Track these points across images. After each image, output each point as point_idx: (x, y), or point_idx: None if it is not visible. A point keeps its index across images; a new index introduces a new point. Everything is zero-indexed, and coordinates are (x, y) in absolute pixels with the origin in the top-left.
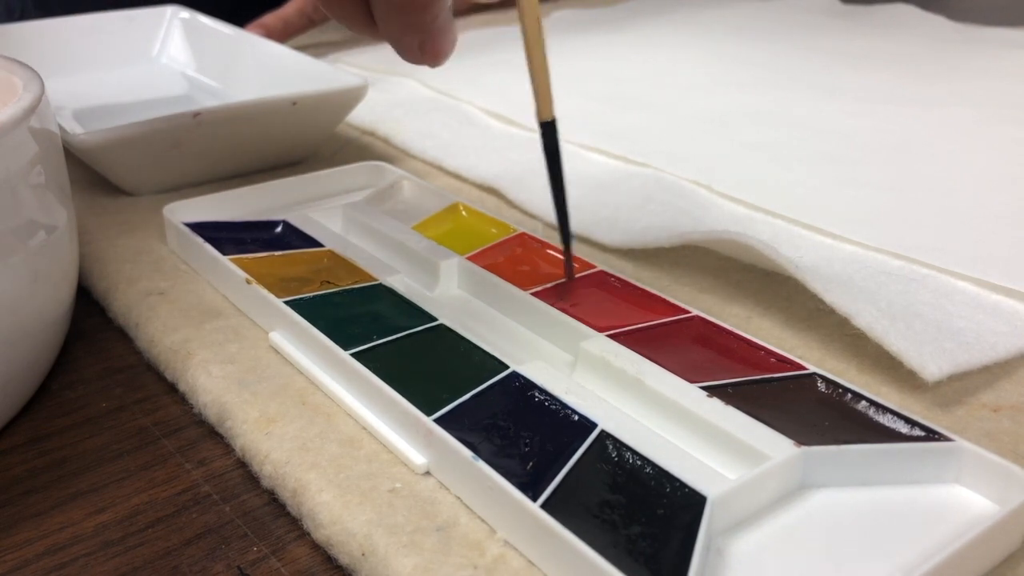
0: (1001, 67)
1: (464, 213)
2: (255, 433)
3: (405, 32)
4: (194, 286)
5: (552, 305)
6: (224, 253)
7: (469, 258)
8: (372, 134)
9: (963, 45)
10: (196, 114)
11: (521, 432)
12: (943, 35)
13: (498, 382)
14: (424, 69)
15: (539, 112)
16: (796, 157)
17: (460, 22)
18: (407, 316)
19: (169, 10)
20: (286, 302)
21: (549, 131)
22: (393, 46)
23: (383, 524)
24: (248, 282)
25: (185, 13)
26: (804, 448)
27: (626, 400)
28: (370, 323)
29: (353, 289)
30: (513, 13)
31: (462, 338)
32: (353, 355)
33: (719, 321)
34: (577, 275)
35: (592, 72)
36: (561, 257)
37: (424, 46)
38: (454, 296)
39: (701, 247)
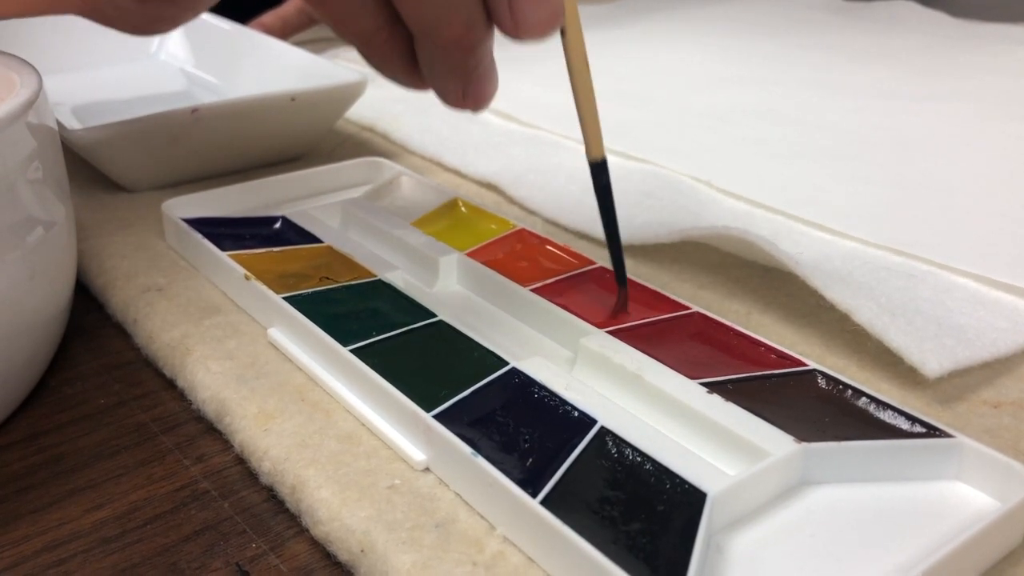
0: (1001, 63)
1: (463, 209)
2: (254, 429)
3: (450, 77)
4: (192, 282)
5: (551, 301)
6: (223, 249)
7: (468, 254)
8: (371, 130)
9: (963, 41)
10: (194, 110)
11: (520, 428)
12: (943, 31)
13: (497, 378)
14: None
15: (588, 151)
16: (796, 153)
17: None
18: (406, 312)
19: None
20: (285, 298)
21: (600, 171)
22: (437, 91)
23: (382, 520)
24: (247, 278)
25: None
26: (804, 444)
27: (626, 396)
28: (369, 319)
29: (352, 285)
30: None
31: (461, 334)
32: (352, 351)
33: (719, 317)
34: (576, 271)
35: (592, 68)
36: (562, 254)
37: (468, 91)
38: (453, 292)
39: (701, 243)
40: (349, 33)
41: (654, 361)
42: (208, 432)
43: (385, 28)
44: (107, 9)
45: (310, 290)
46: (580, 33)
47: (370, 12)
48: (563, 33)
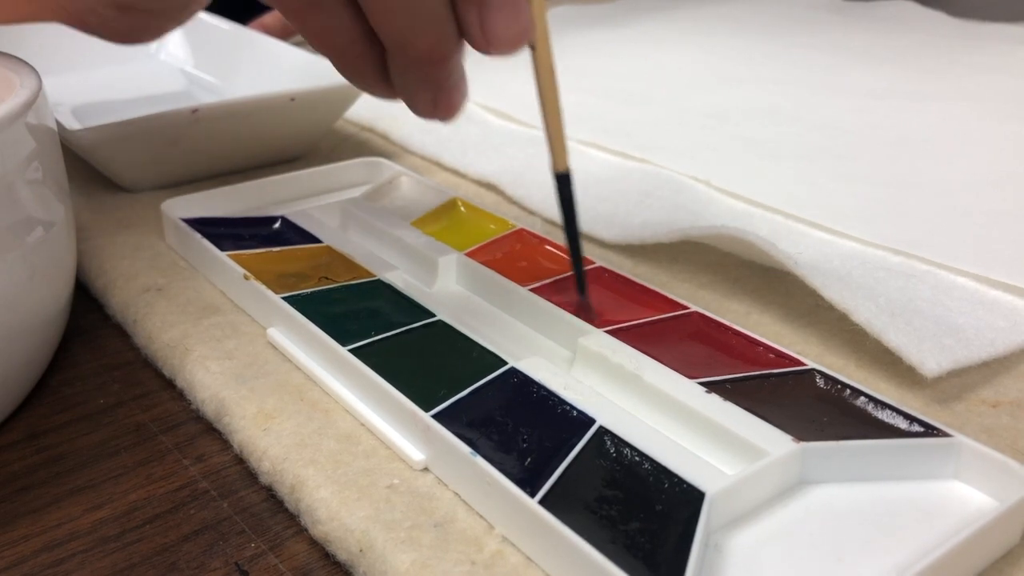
0: (1001, 63)
1: (462, 209)
2: (253, 429)
3: (420, 88)
4: (192, 282)
5: (550, 301)
6: (222, 249)
7: (467, 254)
8: (370, 130)
9: (963, 41)
10: (194, 110)
11: (519, 428)
12: (943, 31)
13: (496, 378)
14: None
15: (554, 164)
16: (795, 153)
17: None
18: (405, 312)
19: None
20: (284, 298)
21: (564, 183)
22: (407, 102)
23: (381, 520)
24: (246, 278)
25: None
26: (803, 444)
27: (624, 396)
28: (368, 319)
29: (351, 285)
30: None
31: (460, 334)
32: (351, 351)
33: (718, 317)
34: None
35: (592, 68)
36: (562, 254)
37: (438, 101)
38: (452, 292)
39: (700, 243)
40: (323, 47)
41: (653, 360)
42: (207, 432)
43: (359, 42)
44: (88, 18)
45: (309, 290)
46: (549, 48)
47: (344, 27)
48: (532, 48)
